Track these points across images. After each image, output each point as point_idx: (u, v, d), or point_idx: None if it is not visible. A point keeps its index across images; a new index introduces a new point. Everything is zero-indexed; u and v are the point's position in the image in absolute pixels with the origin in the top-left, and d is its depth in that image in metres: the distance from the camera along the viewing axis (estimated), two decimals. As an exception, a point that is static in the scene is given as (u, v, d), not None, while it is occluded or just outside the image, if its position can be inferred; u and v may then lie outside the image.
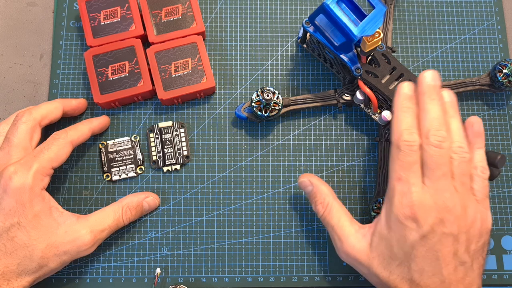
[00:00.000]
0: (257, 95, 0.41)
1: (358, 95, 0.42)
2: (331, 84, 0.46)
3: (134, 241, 0.42)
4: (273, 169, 0.44)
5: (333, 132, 0.45)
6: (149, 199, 0.41)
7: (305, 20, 0.41)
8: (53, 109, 0.41)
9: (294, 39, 0.47)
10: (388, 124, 0.42)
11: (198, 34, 0.45)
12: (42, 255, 0.35)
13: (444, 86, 0.43)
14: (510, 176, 0.44)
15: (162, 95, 0.43)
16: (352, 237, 0.36)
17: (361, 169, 0.44)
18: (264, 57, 0.47)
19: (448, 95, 0.37)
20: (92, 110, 0.45)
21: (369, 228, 0.37)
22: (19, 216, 0.35)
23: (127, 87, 0.43)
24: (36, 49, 0.47)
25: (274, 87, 0.46)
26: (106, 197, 0.43)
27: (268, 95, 0.41)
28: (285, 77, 0.46)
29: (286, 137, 0.45)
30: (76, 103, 0.43)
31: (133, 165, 0.43)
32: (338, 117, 0.45)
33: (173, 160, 0.43)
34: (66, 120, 0.44)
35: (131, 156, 0.43)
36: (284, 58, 0.47)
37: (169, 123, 0.44)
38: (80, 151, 0.44)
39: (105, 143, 0.44)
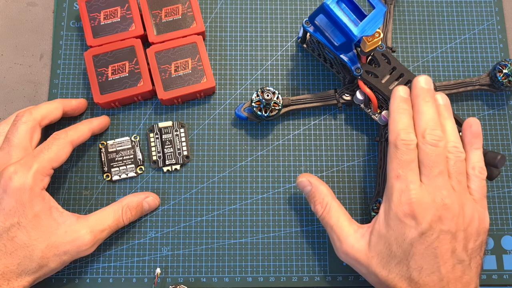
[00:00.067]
0: (257, 95, 0.41)
1: (358, 95, 0.42)
2: (331, 84, 0.46)
3: (134, 241, 0.42)
4: (273, 169, 0.44)
5: (333, 132, 0.45)
6: (149, 199, 0.41)
7: (305, 20, 0.41)
8: (53, 109, 0.41)
9: (294, 39, 0.47)
10: (388, 124, 0.42)
11: (198, 34, 0.45)
12: (42, 255, 0.36)
13: (444, 86, 0.44)
14: (510, 176, 0.44)
15: (162, 95, 0.43)
16: (351, 237, 0.37)
17: (361, 169, 0.44)
18: (264, 57, 0.47)
19: (442, 98, 0.38)
20: (92, 110, 0.45)
21: (367, 228, 0.37)
22: (19, 216, 0.35)
23: (127, 87, 0.43)
24: (36, 49, 0.47)
25: (274, 87, 0.46)
26: (106, 197, 0.43)
27: (268, 95, 0.41)
28: (285, 77, 0.46)
29: (286, 137, 0.45)
30: (76, 103, 0.43)
31: (133, 165, 0.43)
32: (338, 117, 0.45)
33: (173, 160, 0.43)
34: (66, 120, 0.44)
35: (131, 156, 0.43)
36: (284, 58, 0.47)
37: (169, 123, 0.44)
38: (80, 151, 0.44)
39: (105, 143, 0.44)
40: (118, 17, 0.44)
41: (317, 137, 0.45)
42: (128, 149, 0.44)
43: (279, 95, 0.41)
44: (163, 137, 0.44)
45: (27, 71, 0.46)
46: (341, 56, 0.41)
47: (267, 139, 0.45)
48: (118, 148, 0.44)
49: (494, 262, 0.42)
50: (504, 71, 0.43)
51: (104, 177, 0.43)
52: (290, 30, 0.48)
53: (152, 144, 0.44)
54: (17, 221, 0.35)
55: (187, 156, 0.44)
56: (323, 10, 0.37)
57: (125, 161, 0.43)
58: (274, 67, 0.46)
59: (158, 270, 0.40)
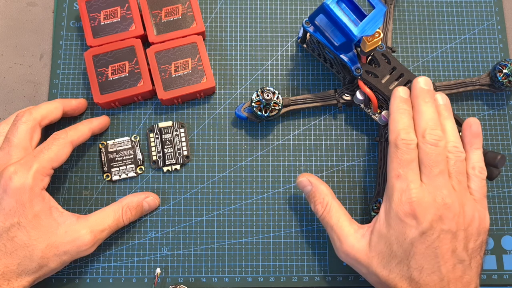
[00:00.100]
0: (257, 95, 0.41)
1: (358, 95, 0.42)
2: (331, 84, 0.46)
3: (134, 241, 0.42)
4: (273, 169, 0.44)
5: (333, 132, 0.45)
6: (149, 199, 0.41)
7: (305, 20, 0.41)
8: (53, 109, 0.41)
9: (294, 39, 0.47)
10: (388, 124, 0.42)
11: (198, 34, 0.45)
12: (42, 255, 0.36)
13: (444, 86, 0.44)
14: (510, 176, 0.44)
15: (162, 95, 0.43)
16: (351, 237, 0.37)
17: (361, 169, 0.44)
18: (264, 57, 0.47)
19: (442, 98, 0.39)
20: (92, 110, 0.45)
21: (368, 228, 0.37)
22: (19, 216, 0.35)
23: (127, 87, 0.43)
24: (36, 49, 0.47)
25: (274, 87, 0.46)
26: (106, 197, 0.43)
27: (268, 95, 0.41)
28: (285, 77, 0.46)
29: (286, 137, 0.45)
30: (76, 103, 0.43)
31: (133, 165, 0.43)
32: (338, 117, 0.45)
33: (173, 160, 0.43)
34: (66, 120, 0.44)
35: (131, 156, 0.43)
36: (284, 58, 0.47)
37: (169, 123, 0.44)
38: (80, 151, 0.44)
39: (105, 143, 0.44)
40: (118, 17, 0.44)
41: (317, 137, 0.45)
42: (128, 149, 0.44)
43: (279, 95, 0.41)
44: (163, 137, 0.44)
45: (27, 71, 0.46)
46: (341, 56, 0.41)
47: (267, 139, 0.45)
48: (118, 148, 0.44)
49: (494, 262, 0.42)
50: (504, 71, 0.43)
51: (104, 177, 0.43)
52: (290, 30, 0.48)
53: (152, 144, 0.44)
54: (17, 221, 0.35)
55: (187, 156, 0.44)
56: (323, 10, 0.37)
57: (125, 161, 0.43)
58: (274, 67, 0.46)
59: (158, 270, 0.40)
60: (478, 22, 0.48)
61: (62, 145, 0.38)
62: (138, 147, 0.44)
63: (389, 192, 0.36)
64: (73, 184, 0.43)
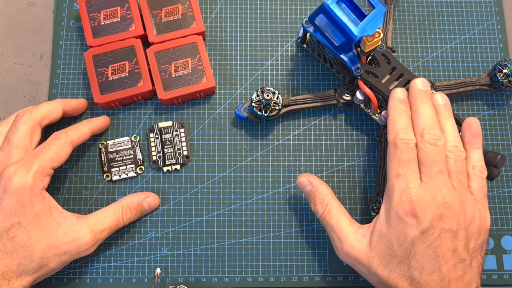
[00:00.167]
0: (257, 95, 0.41)
1: (358, 95, 0.42)
2: (331, 84, 0.46)
3: (134, 241, 0.42)
4: (273, 169, 0.44)
5: (333, 132, 0.45)
6: (149, 199, 0.41)
7: (305, 20, 0.41)
8: (53, 109, 0.41)
9: (294, 39, 0.47)
10: (387, 124, 0.42)
11: (198, 34, 0.45)
12: (42, 255, 0.35)
13: (444, 86, 0.44)
14: (510, 176, 0.44)
15: (162, 95, 0.43)
16: (352, 237, 0.37)
17: (361, 169, 0.44)
18: (264, 57, 0.47)
19: (442, 98, 0.39)
20: (92, 110, 0.45)
21: (368, 228, 0.37)
22: (19, 216, 0.35)
23: (127, 87, 0.43)
24: (36, 49, 0.47)
25: (274, 87, 0.46)
26: (106, 197, 0.43)
27: (268, 95, 0.41)
28: (285, 77, 0.46)
29: (286, 137, 0.45)
30: (76, 103, 0.43)
31: (133, 165, 0.43)
32: (338, 117, 0.45)
33: (173, 160, 0.43)
34: (66, 120, 0.44)
35: (131, 156, 0.43)
36: (284, 58, 0.47)
37: (169, 123, 0.44)
38: (80, 151, 0.44)
39: (105, 143, 0.44)
40: (118, 17, 0.44)
41: (317, 137, 0.45)
42: (128, 149, 0.44)
43: (279, 95, 0.41)
44: (163, 137, 0.44)
45: (27, 71, 0.46)
46: (341, 56, 0.41)
47: (267, 139, 0.45)
48: (118, 148, 0.44)
49: (494, 262, 0.42)
50: (504, 71, 0.43)
51: (104, 177, 0.43)
52: (290, 30, 0.48)
53: (152, 144, 0.44)
54: (17, 221, 0.35)
55: (187, 156, 0.44)
56: (323, 10, 0.37)
57: (125, 161, 0.43)
58: (274, 67, 0.46)
59: (158, 270, 0.40)
60: (478, 22, 0.48)
61: (62, 145, 0.38)
62: (138, 147, 0.44)
63: (389, 192, 0.36)
64: (73, 184, 0.43)
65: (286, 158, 0.44)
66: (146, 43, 0.45)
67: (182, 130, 0.44)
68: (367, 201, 0.43)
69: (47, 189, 0.38)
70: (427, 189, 0.35)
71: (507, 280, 0.42)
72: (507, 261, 0.42)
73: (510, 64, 0.43)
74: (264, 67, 0.46)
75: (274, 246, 0.42)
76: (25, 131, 0.38)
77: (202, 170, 0.44)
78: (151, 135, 0.44)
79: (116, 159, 0.43)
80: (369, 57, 0.42)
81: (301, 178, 0.40)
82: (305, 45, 0.46)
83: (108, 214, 0.39)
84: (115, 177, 0.43)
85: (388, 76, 0.42)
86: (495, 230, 0.43)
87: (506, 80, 0.43)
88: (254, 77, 0.46)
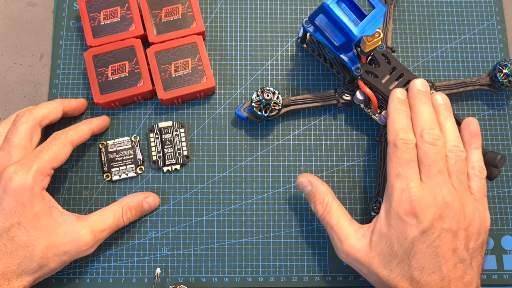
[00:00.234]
0: (257, 95, 0.41)
1: (358, 95, 0.42)
2: (331, 84, 0.46)
3: (134, 241, 0.42)
4: (273, 169, 0.44)
5: (333, 132, 0.45)
6: (149, 199, 0.41)
7: (305, 20, 0.41)
8: (53, 109, 0.41)
9: (294, 39, 0.47)
10: (387, 125, 0.42)
11: (198, 34, 0.45)
12: (42, 255, 0.35)
13: (444, 86, 0.44)
14: (510, 176, 0.44)
15: (162, 95, 0.43)
16: (352, 237, 0.37)
17: (361, 169, 0.44)
18: (264, 57, 0.47)
19: (442, 98, 0.39)
20: (92, 110, 0.45)
21: (368, 228, 0.37)
22: (19, 216, 0.35)
23: (127, 87, 0.43)
24: (36, 49, 0.47)
25: (274, 87, 0.46)
26: (106, 197, 0.43)
27: (268, 95, 0.41)
28: (285, 77, 0.46)
29: (286, 137, 0.45)
30: (76, 103, 0.43)
31: (133, 165, 0.43)
32: (338, 117, 0.45)
33: (173, 160, 0.43)
34: (66, 120, 0.44)
35: (131, 156, 0.43)
36: (284, 58, 0.47)
37: (169, 123, 0.44)
38: (80, 151, 0.44)
39: (105, 143, 0.44)
40: (118, 17, 0.44)
41: (317, 137, 0.45)
42: (128, 149, 0.44)
43: (279, 95, 0.41)
44: (163, 137, 0.44)
45: (27, 71, 0.46)
46: (341, 56, 0.41)
47: (267, 139, 0.45)
48: (118, 148, 0.44)
49: (494, 262, 0.42)
50: (504, 71, 0.43)
51: (104, 177, 0.43)
52: (290, 30, 0.48)
53: (152, 144, 0.44)
54: (17, 221, 0.35)
55: (187, 156, 0.44)
56: (323, 10, 0.37)
57: (125, 161, 0.43)
58: (274, 67, 0.46)
59: (158, 270, 0.40)
60: (478, 22, 0.48)
61: (62, 145, 0.38)
62: (138, 147, 0.44)
63: (389, 192, 0.36)
64: (73, 184, 0.43)
65: (286, 158, 0.44)
66: (146, 43, 0.45)
67: (182, 130, 0.44)
68: (367, 201, 0.43)
69: (47, 189, 0.38)
70: (427, 189, 0.35)
71: (507, 280, 0.42)
72: (507, 261, 0.42)
73: (510, 64, 0.43)
74: (264, 67, 0.46)
75: (274, 246, 0.42)
76: (25, 131, 0.38)
77: (202, 170, 0.44)
78: (151, 135, 0.44)
79: (116, 159, 0.43)
80: (369, 57, 0.42)
81: (301, 178, 0.40)
82: (305, 45, 0.46)
83: (108, 214, 0.39)
84: (115, 177, 0.43)
85: (388, 76, 0.42)
86: (495, 230, 0.43)
87: (506, 80, 0.43)
88: (254, 77, 0.46)
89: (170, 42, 0.44)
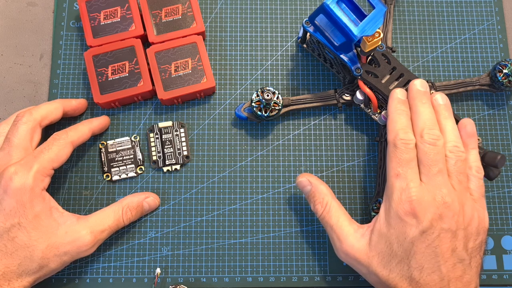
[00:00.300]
0: (257, 95, 0.41)
1: (358, 95, 0.42)
2: (331, 84, 0.46)
3: (134, 241, 0.42)
4: (273, 169, 0.44)
5: (333, 132, 0.45)
6: (149, 199, 0.41)
7: (305, 20, 0.41)
8: (53, 109, 0.41)
9: (294, 39, 0.47)
10: (386, 125, 0.42)
11: (198, 34, 0.45)
12: (42, 256, 0.36)
13: (444, 86, 0.44)
14: (510, 176, 0.44)
15: (162, 95, 0.43)
16: (351, 237, 0.37)
17: (361, 169, 0.44)
18: (264, 57, 0.47)
19: (442, 98, 0.39)
20: (92, 110, 0.45)
21: (368, 227, 0.37)
22: (19, 216, 0.35)
23: (127, 87, 0.43)
24: (36, 49, 0.47)
25: (274, 87, 0.46)
26: (106, 197, 0.43)
27: (268, 95, 0.41)
28: (285, 77, 0.46)
29: (286, 137, 0.45)
30: (76, 103, 0.43)
31: (133, 165, 0.43)
32: (338, 117, 0.45)
33: (173, 160, 0.43)
34: (66, 120, 0.44)
35: (131, 156, 0.43)
36: (284, 58, 0.47)
37: (169, 123, 0.44)
38: (80, 151, 0.44)
39: (105, 143, 0.44)
40: (118, 17, 0.44)
41: (317, 137, 0.45)
42: (128, 149, 0.44)
43: (279, 95, 0.41)
44: (163, 137, 0.44)
45: (27, 71, 0.46)
46: (341, 56, 0.41)
47: (267, 139, 0.45)
48: (118, 148, 0.44)
49: (494, 262, 0.42)
50: (504, 71, 0.43)
51: (104, 177, 0.43)
52: (290, 30, 0.48)
53: (152, 144, 0.44)
54: (18, 221, 0.35)
55: (187, 156, 0.44)
56: (323, 10, 0.37)
57: (125, 161, 0.43)
58: (274, 67, 0.46)
59: (158, 270, 0.40)
60: (478, 22, 0.48)
61: (62, 145, 0.38)
62: (138, 147, 0.44)
63: (389, 192, 0.36)
64: (73, 184, 0.43)
65: (286, 158, 0.44)
66: (146, 43, 0.45)
67: (182, 130, 0.44)
68: (367, 201, 0.43)
69: (47, 190, 0.38)
70: (427, 189, 0.35)
71: (507, 280, 0.42)
72: (507, 261, 0.42)
73: (510, 64, 0.43)
74: (264, 67, 0.46)
75: (274, 246, 0.42)
76: (26, 131, 0.38)
77: (202, 170, 0.44)
78: (151, 135, 0.44)
79: (116, 159, 0.43)
80: (369, 57, 0.42)
81: (301, 178, 0.40)
82: (305, 45, 0.46)
83: (108, 215, 0.39)
84: (115, 177, 0.43)
85: (388, 76, 0.42)
86: (495, 230, 0.43)
87: (506, 80, 0.43)
88: (254, 77, 0.46)
89: (170, 42, 0.44)
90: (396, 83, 0.41)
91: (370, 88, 0.42)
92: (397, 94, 0.39)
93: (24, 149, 0.38)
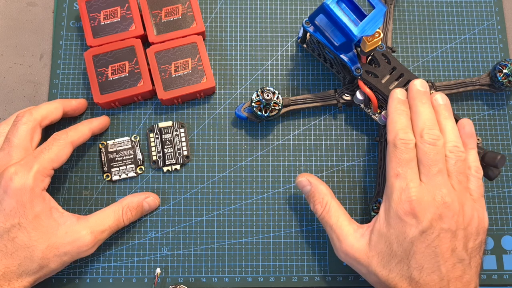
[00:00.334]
0: (257, 95, 0.41)
1: (358, 95, 0.42)
2: (331, 84, 0.46)
3: (134, 241, 0.42)
4: (273, 169, 0.44)
5: (333, 132, 0.45)
6: (149, 199, 0.42)
7: (305, 20, 0.41)
8: (53, 109, 0.41)
9: (294, 39, 0.47)
10: (386, 125, 0.42)
11: (198, 34, 0.45)
12: (42, 256, 0.36)
13: (444, 86, 0.44)
14: (510, 176, 0.44)
15: (162, 95, 0.43)
16: (351, 237, 0.37)
17: (361, 169, 0.44)
18: (264, 57, 0.47)
19: (442, 98, 0.39)
20: (92, 110, 0.45)
21: (367, 227, 0.37)
22: (19, 216, 0.35)
23: (127, 87, 0.43)
24: (36, 49, 0.47)
25: (274, 87, 0.46)
26: (106, 197, 0.43)
27: (268, 95, 0.41)
28: (285, 77, 0.46)
29: (286, 137, 0.45)
30: (76, 103, 0.43)
31: (133, 165, 0.43)
32: (338, 117, 0.45)
33: (173, 160, 0.43)
34: (66, 121, 0.44)
35: (131, 156, 0.43)
36: (284, 58, 0.47)
37: (169, 123, 0.44)
38: (80, 151, 0.44)
39: (105, 143, 0.44)
40: (118, 17, 0.44)
41: (317, 137, 0.45)
42: (128, 149, 0.44)
43: (279, 95, 0.41)
44: (163, 137, 0.44)
45: (27, 71, 0.46)
46: (341, 56, 0.41)
47: (267, 139, 0.45)
48: (118, 148, 0.44)
49: (494, 262, 0.42)
50: (504, 71, 0.43)
51: (104, 177, 0.43)
52: (290, 30, 0.48)
53: (152, 144, 0.44)
54: (18, 221, 0.35)
55: (187, 156, 0.44)
56: (323, 10, 0.37)
57: (125, 161, 0.43)
58: (274, 67, 0.47)
59: (158, 270, 0.40)
60: (478, 22, 0.48)
61: (62, 145, 0.38)
62: (138, 147, 0.44)
63: (389, 192, 0.36)
64: (73, 184, 0.43)
65: (286, 158, 0.44)
66: (146, 43, 0.45)
67: (182, 130, 0.44)
68: (367, 201, 0.43)
69: (47, 190, 0.38)
70: (427, 189, 0.35)
71: (507, 280, 0.42)
72: (507, 261, 0.42)
73: (510, 64, 0.43)
74: (264, 67, 0.46)
75: (274, 246, 0.42)
76: (26, 131, 0.38)
77: (202, 170, 0.44)
78: (151, 135, 0.44)
79: (116, 159, 0.43)
80: (369, 57, 0.42)
81: (301, 178, 0.40)
82: (305, 45, 0.46)
83: (109, 215, 0.39)
84: (115, 177, 0.43)
85: (388, 76, 0.42)
86: (495, 230, 0.43)
87: (506, 80, 0.43)
88: (254, 77, 0.46)
89: (170, 42, 0.44)
90: (396, 83, 0.41)
91: (370, 88, 0.42)
92: (397, 94, 0.39)
93: (24, 149, 0.38)
